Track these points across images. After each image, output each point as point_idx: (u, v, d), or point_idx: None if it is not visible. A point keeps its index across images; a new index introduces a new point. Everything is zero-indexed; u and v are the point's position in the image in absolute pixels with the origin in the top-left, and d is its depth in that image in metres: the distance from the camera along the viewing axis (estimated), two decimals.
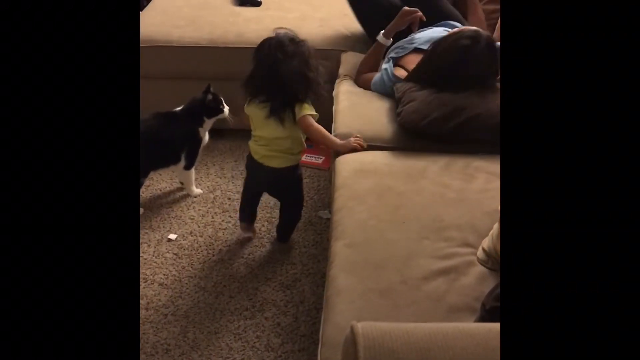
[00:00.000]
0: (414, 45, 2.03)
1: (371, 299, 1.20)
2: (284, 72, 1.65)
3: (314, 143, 2.55)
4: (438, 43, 1.85)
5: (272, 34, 1.73)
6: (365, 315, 1.15)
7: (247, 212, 2.02)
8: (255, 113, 1.77)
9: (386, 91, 1.98)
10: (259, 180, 1.91)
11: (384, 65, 2.04)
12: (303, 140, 1.82)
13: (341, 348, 1.09)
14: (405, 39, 2.09)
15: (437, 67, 1.83)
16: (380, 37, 2.10)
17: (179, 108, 2.14)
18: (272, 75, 1.67)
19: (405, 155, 1.69)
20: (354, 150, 1.74)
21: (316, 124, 1.75)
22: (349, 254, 1.33)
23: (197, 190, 2.25)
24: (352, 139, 1.77)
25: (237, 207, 2.14)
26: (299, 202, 1.97)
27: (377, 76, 2.04)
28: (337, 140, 1.80)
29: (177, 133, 2.09)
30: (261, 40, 1.75)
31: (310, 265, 1.93)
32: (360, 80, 2.12)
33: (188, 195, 2.26)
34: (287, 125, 1.73)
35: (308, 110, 1.72)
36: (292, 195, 1.95)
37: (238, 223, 2.08)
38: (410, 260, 1.29)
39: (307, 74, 1.68)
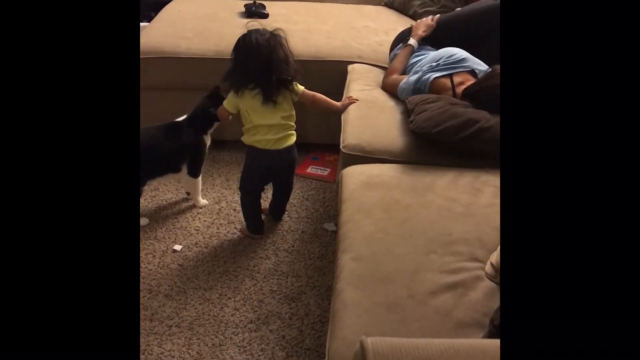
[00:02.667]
0: (468, 64, 2.04)
1: (378, 313, 1.19)
2: (267, 53, 1.83)
3: (319, 155, 2.56)
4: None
5: (246, 30, 1.90)
6: (372, 329, 1.14)
7: (260, 222, 2.10)
8: (250, 104, 1.90)
9: (408, 94, 2.01)
10: (275, 167, 2.01)
11: (417, 76, 2.04)
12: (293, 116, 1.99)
13: None
14: (447, 57, 2.09)
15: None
16: (413, 41, 2.25)
17: (181, 118, 2.14)
18: (260, 62, 1.83)
19: (412, 169, 1.69)
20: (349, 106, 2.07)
21: (314, 93, 2.02)
22: (356, 267, 1.32)
23: (203, 201, 2.25)
24: (346, 100, 2.11)
25: (243, 219, 2.14)
26: (292, 183, 2.15)
27: (405, 83, 2.06)
28: (336, 103, 2.11)
29: (178, 143, 2.08)
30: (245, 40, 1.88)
31: (315, 277, 1.92)
32: (389, 82, 2.18)
33: (193, 206, 2.25)
34: (284, 106, 1.92)
35: (300, 87, 1.96)
36: (291, 174, 2.10)
37: (242, 235, 2.09)
38: (418, 275, 1.28)
39: (287, 54, 1.87)
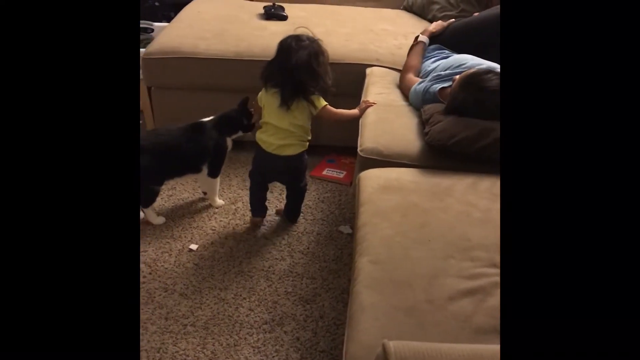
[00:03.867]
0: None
1: (396, 317, 1.18)
2: (294, 59, 1.86)
3: (335, 158, 2.56)
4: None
5: (293, 32, 1.96)
6: (390, 333, 1.13)
7: (261, 206, 2.15)
8: (268, 101, 1.96)
9: (419, 106, 1.99)
10: (271, 170, 2.07)
11: (427, 84, 2.03)
12: (309, 129, 2.02)
13: None
14: (456, 66, 2.08)
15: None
16: (423, 38, 2.26)
17: (208, 118, 2.16)
18: (284, 61, 1.89)
19: (431, 173, 1.68)
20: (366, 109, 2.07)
21: (336, 110, 2.00)
22: (374, 270, 1.32)
23: (219, 202, 2.25)
24: (363, 103, 2.11)
25: None
26: (305, 184, 2.15)
27: (416, 88, 2.05)
28: (354, 111, 2.09)
29: (200, 143, 2.10)
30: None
31: (330, 280, 1.92)
32: (404, 82, 2.18)
33: (210, 206, 2.26)
34: (295, 113, 1.93)
35: (323, 102, 1.95)
36: (301, 179, 2.11)
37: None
38: (436, 279, 1.27)
39: (313, 65, 1.88)
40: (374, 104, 2.08)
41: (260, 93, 2.00)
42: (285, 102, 1.89)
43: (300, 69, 1.86)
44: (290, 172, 2.06)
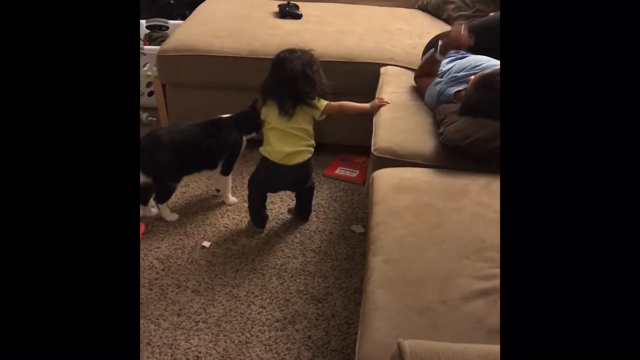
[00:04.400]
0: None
1: (409, 317, 1.18)
2: (289, 69, 1.92)
3: (348, 157, 2.56)
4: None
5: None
6: (403, 333, 1.13)
7: (263, 217, 2.14)
8: (269, 112, 2.00)
9: (433, 107, 1.99)
10: (280, 181, 2.07)
11: (443, 86, 2.02)
12: (312, 133, 2.04)
13: None
14: (472, 67, 2.05)
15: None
16: (438, 55, 2.10)
17: (227, 115, 2.17)
18: (280, 73, 1.95)
19: (445, 173, 1.67)
20: (380, 108, 2.07)
21: (341, 102, 2.04)
22: (387, 270, 1.31)
23: (232, 199, 2.26)
24: (376, 101, 2.11)
25: (270, 218, 2.18)
26: (313, 183, 2.16)
27: (429, 95, 2.03)
28: (364, 105, 2.11)
29: (220, 140, 2.13)
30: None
31: (342, 279, 1.92)
32: (419, 82, 2.16)
33: (223, 204, 2.27)
34: (297, 118, 1.97)
35: (324, 101, 1.98)
36: (309, 182, 2.12)
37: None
38: (450, 280, 1.27)
39: (308, 73, 1.94)
40: (388, 102, 2.07)
41: (262, 109, 2.04)
42: (286, 111, 1.94)
43: (296, 78, 1.92)
44: (299, 180, 2.08)
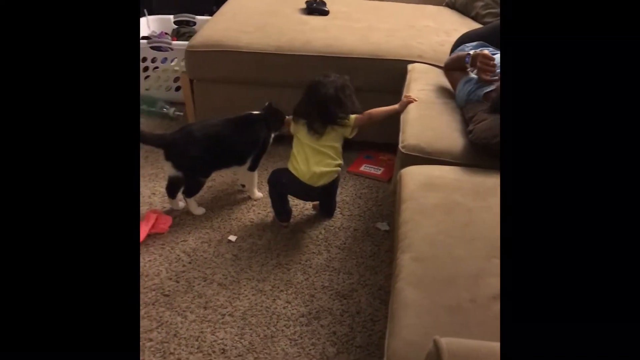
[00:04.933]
0: None
1: (439, 315, 1.17)
2: (322, 93, 1.96)
3: (373, 154, 2.55)
4: None
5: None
6: (433, 331, 1.12)
7: (287, 211, 2.14)
8: (299, 130, 2.04)
9: (462, 105, 1.97)
10: (303, 195, 2.13)
11: (473, 86, 1.99)
12: (340, 151, 2.08)
13: None
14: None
15: None
16: (469, 67, 2.07)
17: (256, 112, 2.19)
18: (313, 96, 1.99)
19: (474, 172, 1.66)
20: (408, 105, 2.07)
21: (371, 110, 2.07)
22: (416, 267, 1.31)
23: (258, 194, 2.28)
24: (404, 99, 2.10)
25: (296, 213, 2.20)
26: (337, 189, 2.19)
27: (462, 89, 2.01)
28: (394, 106, 2.11)
29: (252, 136, 2.15)
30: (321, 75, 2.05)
31: (367, 276, 1.91)
32: (449, 75, 2.16)
33: (248, 198, 2.29)
34: (326, 137, 2.00)
35: (352, 116, 2.02)
36: (334, 190, 2.16)
37: (296, 228, 2.11)
38: (480, 279, 1.26)
39: (341, 97, 1.98)
40: (416, 100, 2.06)
41: (292, 125, 2.07)
42: (315, 130, 1.98)
43: (329, 101, 1.96)
44: (323, 196, 2.13)
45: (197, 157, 2.04)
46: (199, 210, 2.17)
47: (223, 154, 2.11)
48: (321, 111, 1.97)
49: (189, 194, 2.14)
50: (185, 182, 2.10)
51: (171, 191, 2.14)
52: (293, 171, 2.03)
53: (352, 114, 2.01)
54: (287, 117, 2.16)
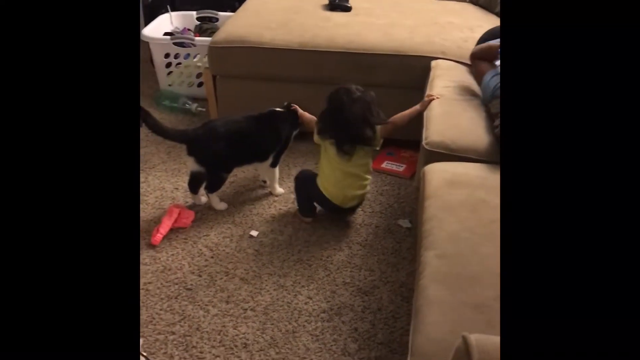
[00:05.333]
0: None
1: (464, 312, 1.16)
2: (348, 114, 1.90)
3: (394, 151, 2.54)
4: None
5: (343, 84, 1.98)
6: (458, 328, 1.11)
7: (312, 207, 2.14)
8: (327, 148, 2.01)
9: (488, 99, 1.95)
10: (332, 211, 2.12)
11: (497, 83, 1.97)
12: (370, 165, 2.07)
13: (431, 359, 1.08)
14: None
15: None
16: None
17: (278, 109, 2.20)
18: (338, 116, 1.93)
19: (499, 169, 1.64)
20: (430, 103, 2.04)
21: (394, 118, 2.05)
22: (441, 265, 1.30)
23: (279, 190, 2.28)
24: (426, 98, 2.07)
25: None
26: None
27: (489, 83, 1.99)
28: (415, 107, 2.08)
29: (275, 133, 2.16)
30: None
31: (388, 273, 1.91)
32: (476, 65, 2.14)
33: (270, 194, 2.29)
34: (357, 157, 1.97)
35: (377, 131, 1.97)
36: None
37: (317, 224, 2.12)
38: None
39: (367, 117, 1.92)
40: (438, 97, 2.05)
41: (317, 138, 2.04)
42: (345, 152, 1.94)
43: (357, 123, 1.91)
44: (352, 210, 2.13)
45: (220, 153, 2.05)
46: (221, 206, 2.19)
47: (245, 150, 2.12)
48: (350, 133, 1.92)
49: (211, 189, 2.15)
50: (207, 178, 2.12)
51: (193, 186, 2.15)
52: (323, 191, 2.04)
53: (380, 124, 1.99)
54: (308, 115, 2.15)
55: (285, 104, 2.22)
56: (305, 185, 2.09)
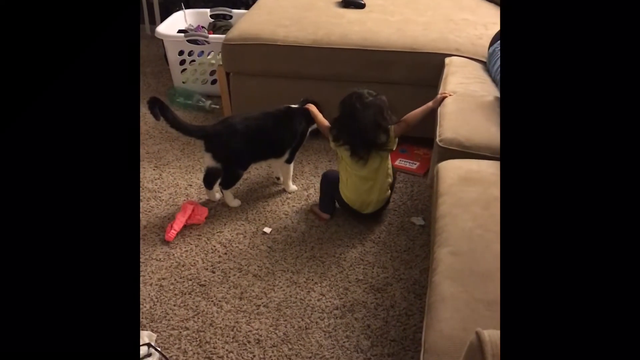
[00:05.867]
0: None
1: (477, 309, 1.16)
2: (360, 121, 1.90)
3: (408, 149, 2.53)
4: None
5: (355, 89, 1.97)
6: (471, 325, 1.12)
7: (332, 204, 2.15)
8: (342, 153, 2.00)
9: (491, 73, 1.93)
10: (354, 215, 2.12)
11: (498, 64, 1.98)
12: (390, 169, 2.07)
13: (444, 355, 1.07)
14: None
15: None
16: None
17: (294, 105, 2.21)
18: (350, 122, 1.93)
19: None
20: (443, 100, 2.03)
21: (407, 117, 2.02)
22: (454, 261, 1.30)
23: (293, 187, 2.29)
24: (438, 96, 2.05)
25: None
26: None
27: (493, 51, 1.97)
28: (428, 105, 2.05)
29: (292, 129, 2.17)
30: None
31: (402, 270, 1.90)
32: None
33: (283, 191, 2.30)
34: (373, 161, 1.97)
35: (391, 131, 1.96)
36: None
37: (330, 222, 2.12)
38: None
39: (381, 123, 1.92)
40: (451, 94, 2.03)
41: (334, 144, 2.02)
42: (360, 157, 1.94)
43: (368, 129, 1.91)
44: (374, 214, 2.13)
45: (238, 149, 2.06)
46: (235, 203, 2.20)
47: (262, 146, 2.13)
48: (364, 139, 1.92)
49: (226, 185, 2.16)
50: (223, 174, 2.13)
51: (208, 182, 2.17)
52: (343, 196, 2.06)
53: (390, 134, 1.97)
54: (321, 118, 2.16)
55: (302, 99, 2.22)
56: (330, 186, 2.10)
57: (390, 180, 2.08)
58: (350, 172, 2.00)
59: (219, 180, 2.16)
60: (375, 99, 1.93)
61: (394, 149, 2.01)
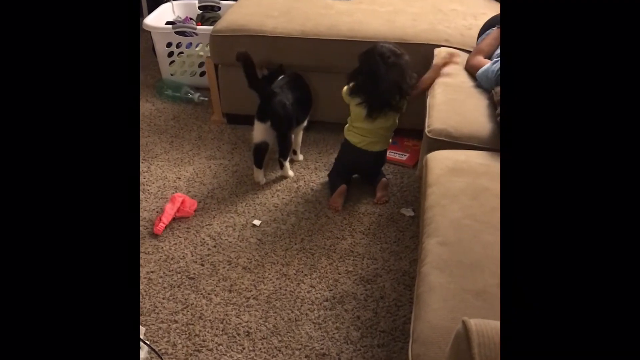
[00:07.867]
0: None
1: (465, 299, 1.16)
2: (382, 82, 1.93)
3: (398, 140, 2.53)
4: None
5: (378, 45, 2.00)
6: (459, 315, 1.10)
7: (344, 178, 2.21)
8: (355, 110, 2.08)
9: (489, 86, 1.94)
10: (357, 164, 2.19)
11: (497, 65, 1.97)
12: (396, 121, 2.14)
13: (432, 345, 1.08)
14: None
15: None
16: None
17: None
18: (372, 82, 1.96)
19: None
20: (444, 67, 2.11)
21: (420, 81, 2.09)
22: (442, 252, 1.30)
23: (290, 172, 2.34)
24: (435, 67, 2.12)
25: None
26: (380, 172, 2.28)
27: (486, 68, 1.99)
28: (429, 74, 2.12)
29: (309, 90, 2.38)
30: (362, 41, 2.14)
31: (391, 261, 1.91)
32: (473, 63, 2.13)
33: (272, 183, 2.29)
34: (381, 120, 2.06)
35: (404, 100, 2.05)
36: (377, 169, 2.25)
37: (320, 213, 2.11)
38: None
39: (401, 85, 1.96)
40: (456, 62, 2.14)
41: (344, 90, 2.08)
42: (371, 115, 2.02)
43: (390, 91, 1.96)
44: (373, 165, 2.21)
45: (290, 110, 2.14)
46: (291, 172, 2.32)
47: (304, 105, 2.29)
48: (381, 100, 1.97)
49: (285, 154, 2.24)
50: (279, 143, 2.20)
51: (260, 159, 2.23)
52: (350, 139, 2.13)
53: (410, 90, 2.03)
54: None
55: (280, 65, 2.39)
56: (337, 156, 2.22)
57: (391, 133, 2.17)
58: (359, 126, 2.09)
59: (279, 153, 2.25)
60: (398, 59, 1.95)
61: (404, 110, 2.08)
